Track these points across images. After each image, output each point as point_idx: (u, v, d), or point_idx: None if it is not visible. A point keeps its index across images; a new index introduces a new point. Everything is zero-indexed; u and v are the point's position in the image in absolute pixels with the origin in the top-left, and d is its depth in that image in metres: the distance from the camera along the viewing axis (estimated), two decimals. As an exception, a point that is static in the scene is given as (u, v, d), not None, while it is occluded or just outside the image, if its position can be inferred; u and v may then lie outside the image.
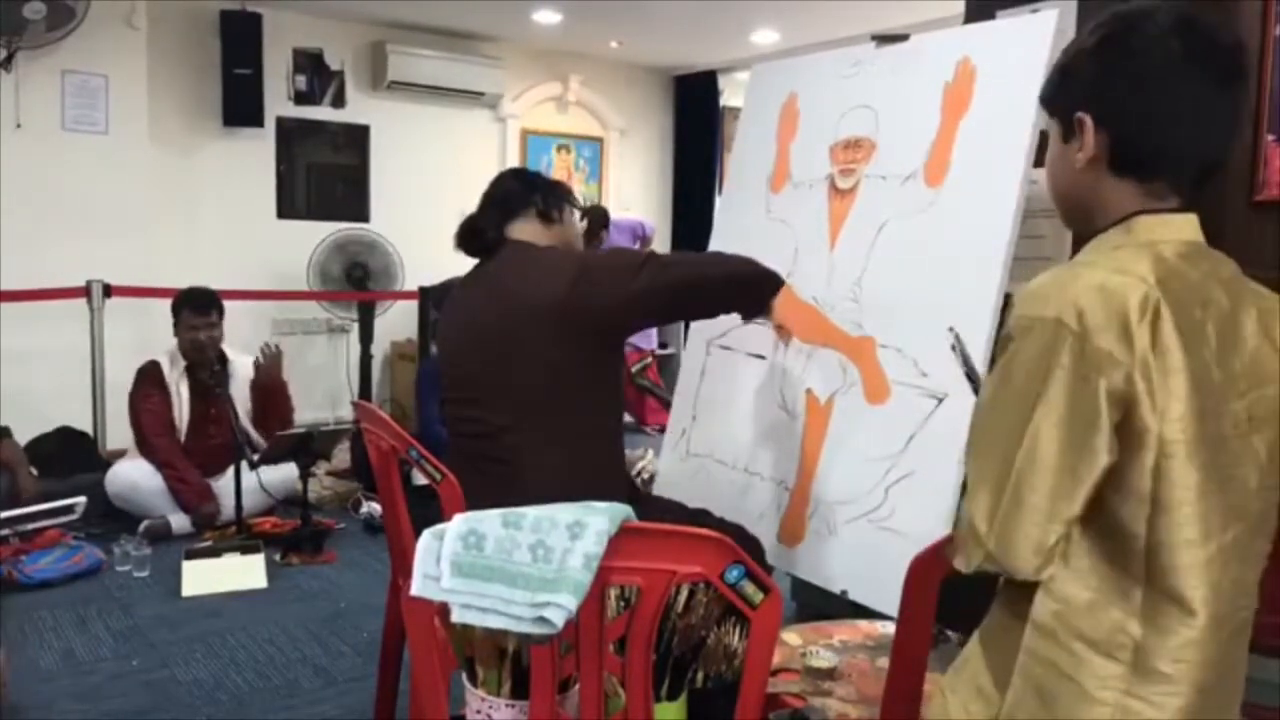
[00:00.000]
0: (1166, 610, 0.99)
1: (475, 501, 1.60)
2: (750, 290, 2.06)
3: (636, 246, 6.00)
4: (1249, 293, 1.07)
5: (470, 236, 2.11)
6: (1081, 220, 1.13)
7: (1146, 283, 0.97)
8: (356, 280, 5.53)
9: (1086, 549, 1.01)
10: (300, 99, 5.79)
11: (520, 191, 2.12)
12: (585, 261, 1.98)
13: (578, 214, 2.24)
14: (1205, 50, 1.03)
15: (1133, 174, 1.06)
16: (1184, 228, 1.06)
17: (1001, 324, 1.15)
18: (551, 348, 1.91)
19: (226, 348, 4.14)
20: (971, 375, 1.42)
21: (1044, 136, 1.87)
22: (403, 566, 1.95)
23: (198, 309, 4.02)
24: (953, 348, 1.43)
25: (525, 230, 2.08)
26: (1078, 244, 2.01)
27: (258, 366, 4.16)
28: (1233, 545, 1.01)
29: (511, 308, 1.95)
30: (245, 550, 3.57)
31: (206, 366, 4.03)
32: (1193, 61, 1.03)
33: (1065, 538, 1.00)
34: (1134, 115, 1.05)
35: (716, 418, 2.42)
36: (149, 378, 4.05)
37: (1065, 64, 1.11)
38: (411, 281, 5.49)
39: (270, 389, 4.20)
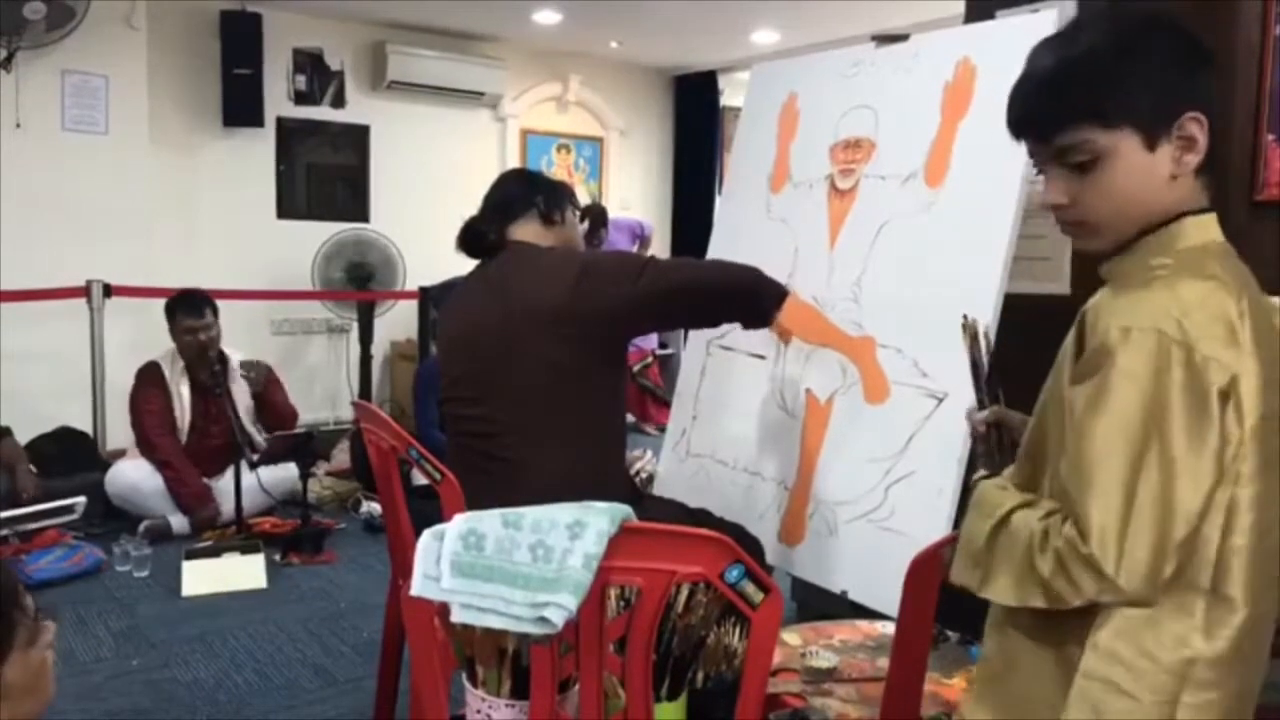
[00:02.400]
0: (1220, 615, 0.98)
1: (476, 502, 1.59)
2: (752, 301, 2.06)
3: (635, 246, 6.00)
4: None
5: (472, 239, 2.11)
6: (1133, 234, 1.06)
7: (1229, 286, 0.97)
8: (358, 280, 5.53)
9: None
10: (300, 99, 5.79)
11: (521, 193, 2.12)
12: (586, 264, 1.98)
13: (579, 214, 2.25)
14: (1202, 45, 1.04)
15: (1206, 173, 1.05)
16: (1215, 225, 1.05)
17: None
18: (552, 349, 1.91)
19: (225, 348, 4.14)
20: (977, 368, 1.40)
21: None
22: (403, 566, 1.95)
23: (192, 311, 4.02)
24: (974, 338, 1.40)
25: (526, 231, 2.09)
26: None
27: (248, 378, 4.16)
28: (1276, 547, 1.01)
29: (513, 309, 1.95)
30: (245, 550, 3.57)
31: (207, 367, 4.03)
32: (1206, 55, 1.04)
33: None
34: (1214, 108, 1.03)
35: (716, 418, 2.42)
36: (149, 378, 4.05)
37: (1118, 70, 1.02)
38: (412, 281, 5.49)
39: (263, 397, 4.21)
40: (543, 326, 1.92)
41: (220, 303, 4.15)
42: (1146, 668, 0.97)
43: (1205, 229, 1.04)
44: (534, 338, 1.92)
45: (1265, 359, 0.97)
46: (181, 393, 4.06)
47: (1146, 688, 0.97)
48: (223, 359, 4.09)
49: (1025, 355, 1.91)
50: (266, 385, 4.23)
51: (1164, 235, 1.04)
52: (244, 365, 4.20)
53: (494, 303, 2.00)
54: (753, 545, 2.00)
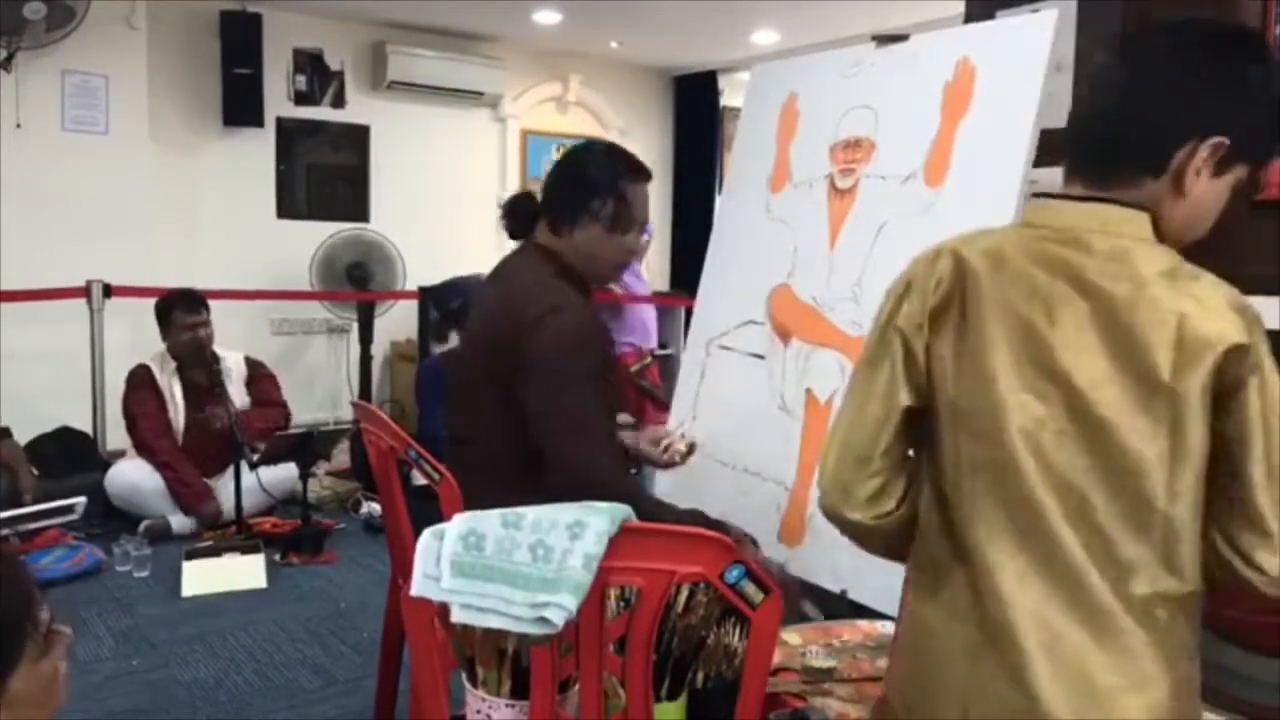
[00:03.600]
0: None
1: (471, 505, 1.58)
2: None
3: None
4: None
5: (517, 220, 1.96)
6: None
7: None
8: (356, 280, 5.53)
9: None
10: (300, 99, 5.78)
11: (579, 189, 1.89)
12: (547, 320, 1.76)
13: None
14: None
15: None
16: None
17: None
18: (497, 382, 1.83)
19: (217, 347, 4.14)
20: None
21: (1044, 136, 1.88)
22: (402, 566, 1.95)
23: (189, 308, 4.02)
24: None
25: (543, 233, 1.93)
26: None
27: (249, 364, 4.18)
28: None
29: (495, 323, 1.87)
30: (245, 550, 3.57)
31: (204, 366, 4.02)
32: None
33: None
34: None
35: (716, 418, 2.42)
36: (140, 381, 4.05)
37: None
38: (411, 282, 5.49)
39: (252, 387, 4.23)
40: (487, 361, 1.85)
41: (220, 303, 4.17)
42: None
43: None
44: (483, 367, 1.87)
45: None
46: (174, 394, 4.05)
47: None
48: (214, 358, 4.09)
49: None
50: (258, 378, 4.24)
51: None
52: (249, 362, 4.22)
53: (488, 313, 1.93)
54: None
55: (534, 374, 1.76)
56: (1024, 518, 1.03)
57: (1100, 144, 1.09)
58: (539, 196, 1.96)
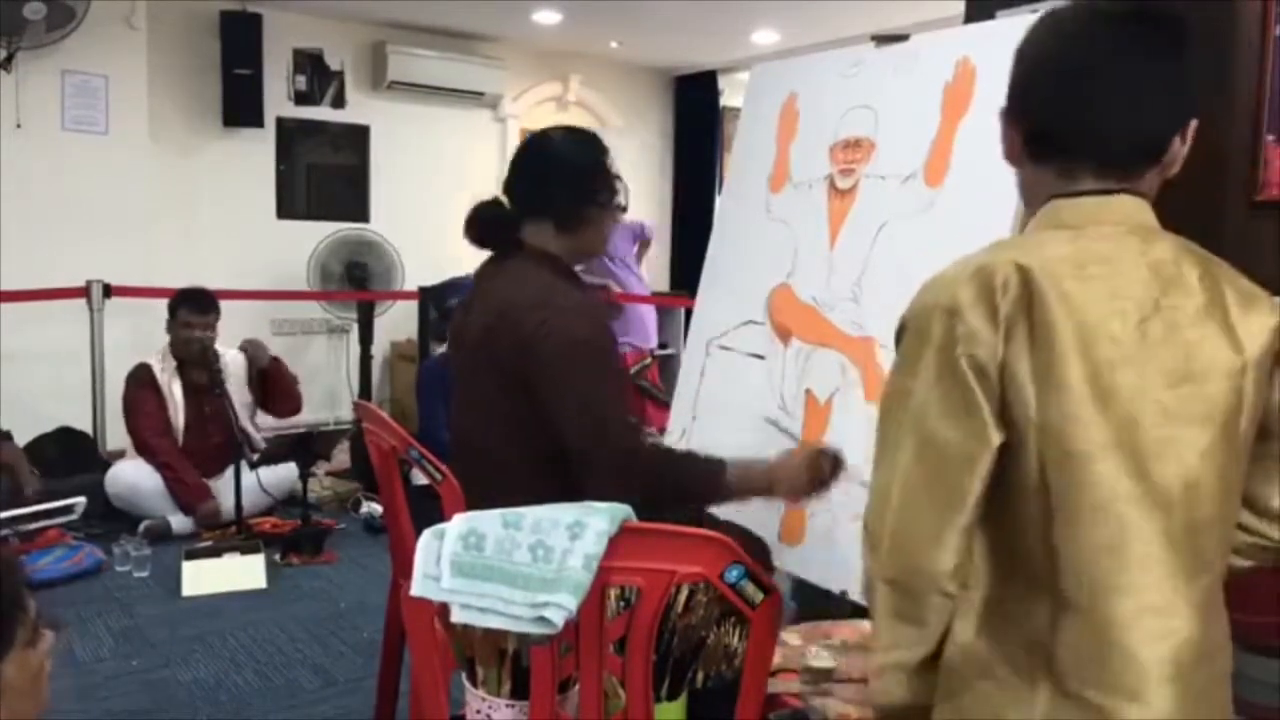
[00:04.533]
0: None
1: (472, 504, 1.57)
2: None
3: (636, 248, 6.00)
4: None
5: (485, 230, 1.89)
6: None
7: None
8: (356, 280, 5.53)
9: None
10: (300, 99, 5.78)
11: (552, 183, 1.86)
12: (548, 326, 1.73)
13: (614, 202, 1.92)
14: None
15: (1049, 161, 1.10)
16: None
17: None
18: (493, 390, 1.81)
19: (218, 345, 4.14)
20: None
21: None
22: (403, 566, 1.95)
23: (197, 308, 4.03)
24: None
25: (539, 235, 1.86)
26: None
27: (246, 353, 4.17)
28: None
29: (497, 334, 1.81)
30: (245, 550, 3.57)
31: (204, 366, 4.02)
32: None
33: None
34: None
35: (716, 418, 2.42)
36: (141, 380, 4.04)
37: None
38: (411, 282, 5.49)
39: (266, 372, 4.21)
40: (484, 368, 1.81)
41: (220, 303, 4.16)
42: None
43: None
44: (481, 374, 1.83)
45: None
46: (174, 393, 4.05)
47: None
48: (215, 357, 4.09)
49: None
50: (270, 362, 4.22)
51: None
52: (245, 344, 4.20)
53: (483, 316, 1.86)
54: (759, 547, 1.99)
55: (554, 377, 1.71)
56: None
57: (1101, 132, 1.06)
58: (504, 200, 1.89)
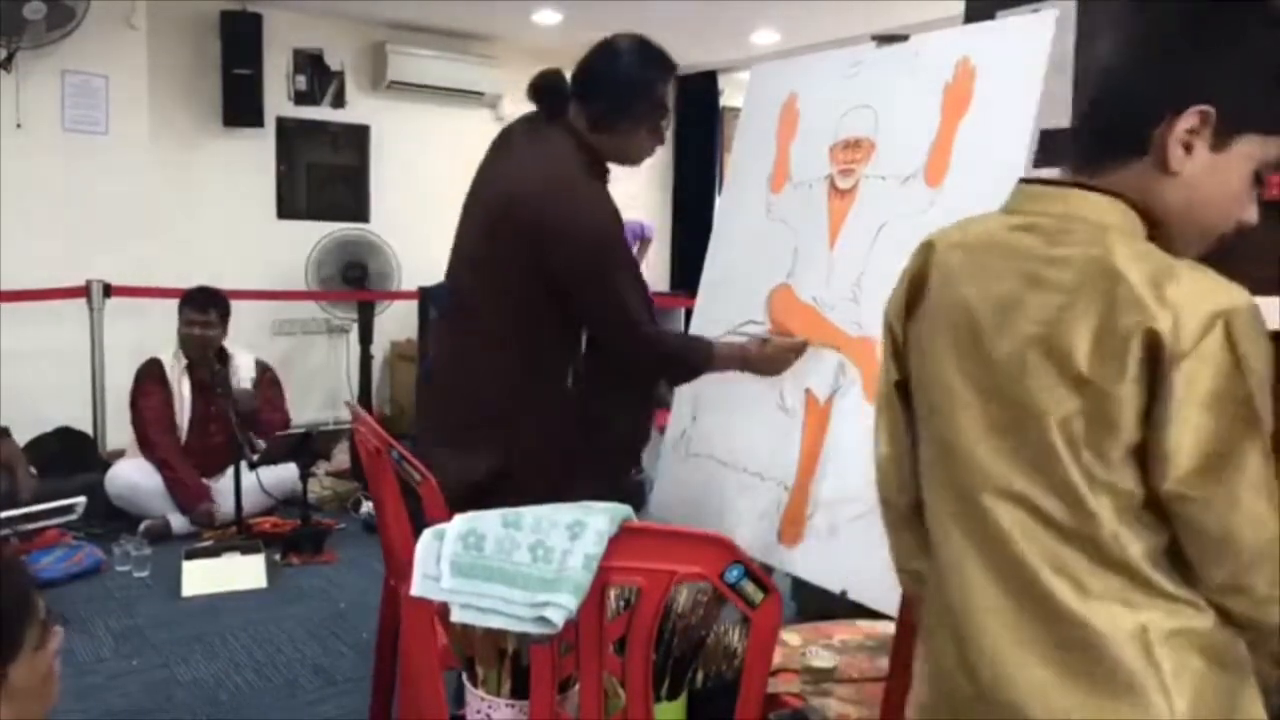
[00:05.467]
0: None
1: (465, 372, 1.91)
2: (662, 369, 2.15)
3: (636, 248, 6.00)
4: None
5: (544, 93, 2.03)
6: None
7: None
8: (354, 280, 5.53)
9: None
10: (300, 99, 5.78)
11: (612, 82, 2.03)
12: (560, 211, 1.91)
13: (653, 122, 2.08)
14: None
15: None
16: None
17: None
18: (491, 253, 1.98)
19: (230, 346, 4.14)
20: None
21: (1044, 136, 1.88)
22: (395, 567, 1.95)
23: (197, 307, 4.05)
24: None
25: (578, 120, 2.01)
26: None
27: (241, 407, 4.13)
28: None
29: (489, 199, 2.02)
30: (245, 550, 3.57)
31: (207, 365, 4.03)
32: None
33: None
34: None
35: (716, 418, 2.42)
36: (151, 375, 4.06)
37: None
38: (411, 282, 5.49)
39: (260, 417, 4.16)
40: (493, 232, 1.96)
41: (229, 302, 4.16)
42: None
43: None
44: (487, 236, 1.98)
45: None
46: (183, 390, 4.06)
47: None
48: (223, 358, 4.09)
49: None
50: (261, 382, 4.22)
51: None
52: (258, 365, 4.20)
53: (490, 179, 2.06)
54: None
55: (580, 273, 1.89)
56: None
57: (1081, 124, 1.04)
58: (568, 79, 2.04)
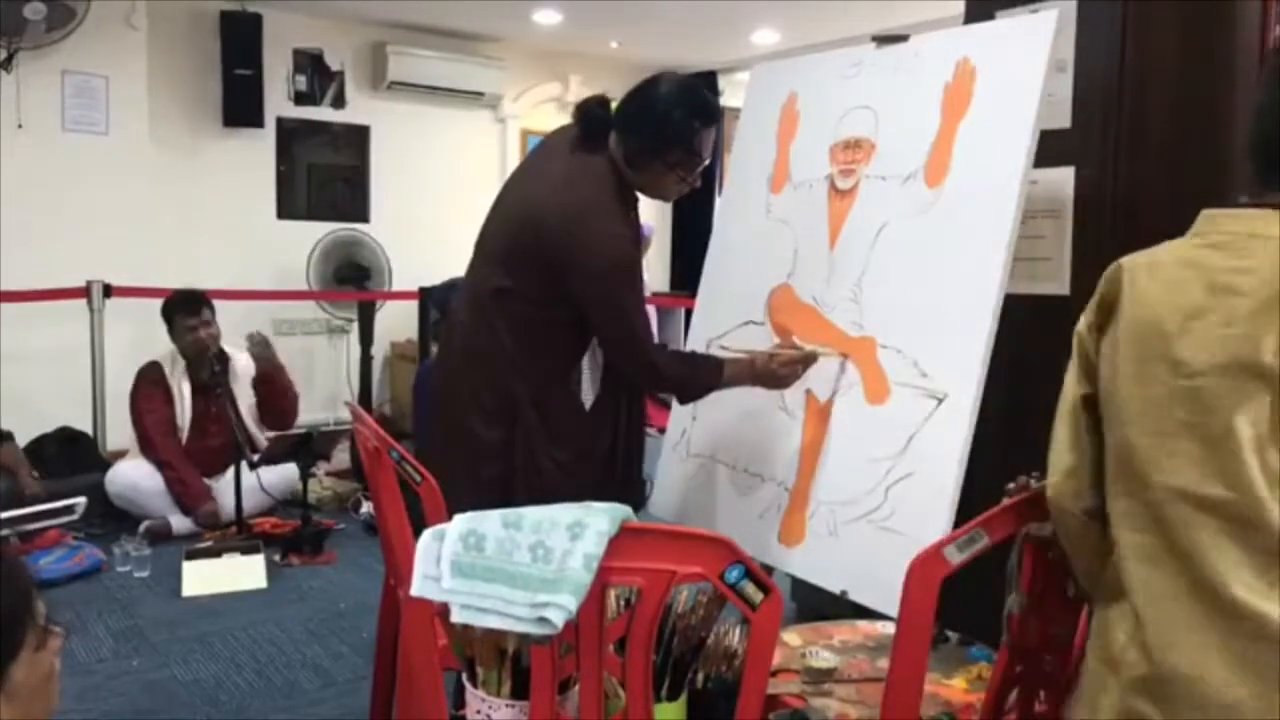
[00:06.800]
0: None
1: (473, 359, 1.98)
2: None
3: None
4: None
5: (588, 119, 2.06)
6: None
7: None
8: (354, 280, 5.53)
9: None
10: (300, 99, 5.79)
11: (656, 124, 2.01)
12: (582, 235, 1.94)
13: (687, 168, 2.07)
14: None
15: None
16: None
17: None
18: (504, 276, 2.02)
19: (226, 346, 4.14)
20: None
21: (1044, 136, 1.88)
22: (394, 568, 1.95)
23: (189, 310, 4.02)
24: None
25: (616, 150, 2.04)
26: (1097, 245, 2.01)
27: (253, 355, 4.14)
28: None
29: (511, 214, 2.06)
30: (245, 550, 3.57)
31: (207, 366, 4.03)
32: None
33: None
34: None
35: (716, 418, 2.42)
36: (150, 378, 4.05)
37: None
38: (411, 282, 5.49)
39: (267, 376, 4.17)
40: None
41: (220, 303, 4.15)
42: None
43: None
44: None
45: None
46: (183, 392, 4.06)
47: None
48: (223, 358, 4.09)
49: (1024, 355, 1.92)
50: (272, 368, 4.19)
51: None
52: (249, 338, 4.17)
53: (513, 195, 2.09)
54: None
55: (594, 294, 1.95)
56: None
57: (1252, 156, 1.14)
58: (612, 108, 2.09)
